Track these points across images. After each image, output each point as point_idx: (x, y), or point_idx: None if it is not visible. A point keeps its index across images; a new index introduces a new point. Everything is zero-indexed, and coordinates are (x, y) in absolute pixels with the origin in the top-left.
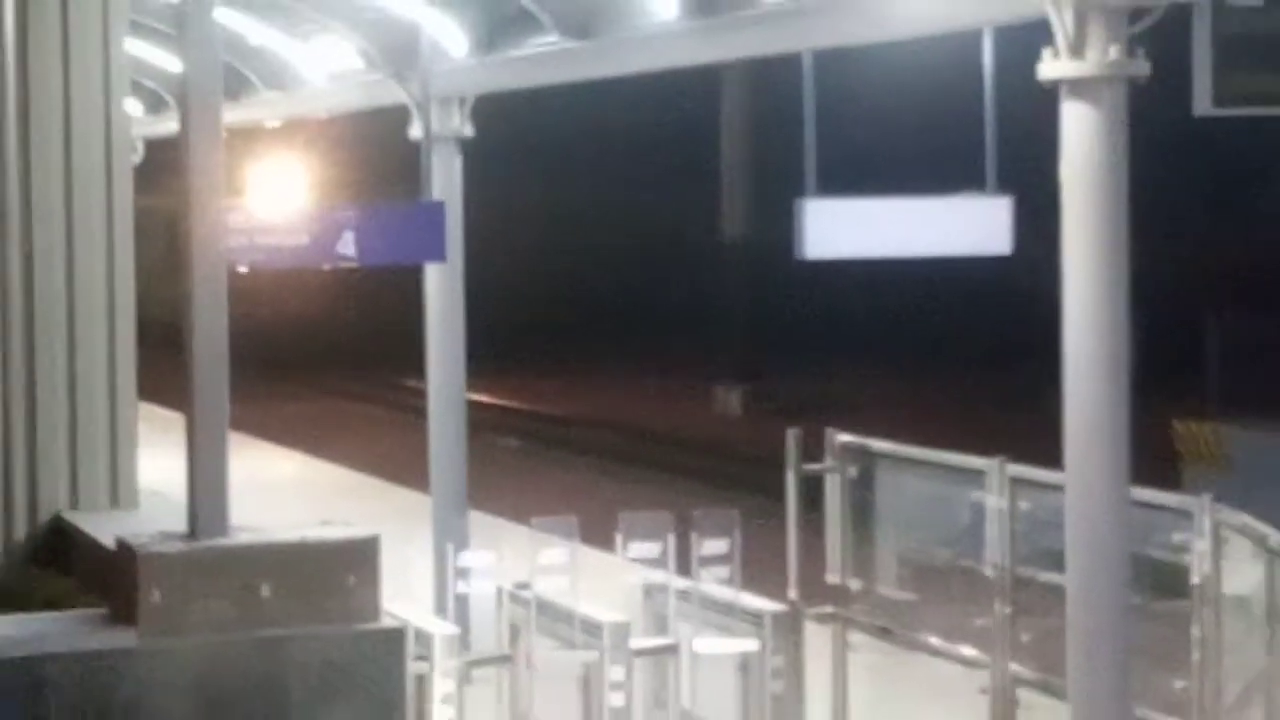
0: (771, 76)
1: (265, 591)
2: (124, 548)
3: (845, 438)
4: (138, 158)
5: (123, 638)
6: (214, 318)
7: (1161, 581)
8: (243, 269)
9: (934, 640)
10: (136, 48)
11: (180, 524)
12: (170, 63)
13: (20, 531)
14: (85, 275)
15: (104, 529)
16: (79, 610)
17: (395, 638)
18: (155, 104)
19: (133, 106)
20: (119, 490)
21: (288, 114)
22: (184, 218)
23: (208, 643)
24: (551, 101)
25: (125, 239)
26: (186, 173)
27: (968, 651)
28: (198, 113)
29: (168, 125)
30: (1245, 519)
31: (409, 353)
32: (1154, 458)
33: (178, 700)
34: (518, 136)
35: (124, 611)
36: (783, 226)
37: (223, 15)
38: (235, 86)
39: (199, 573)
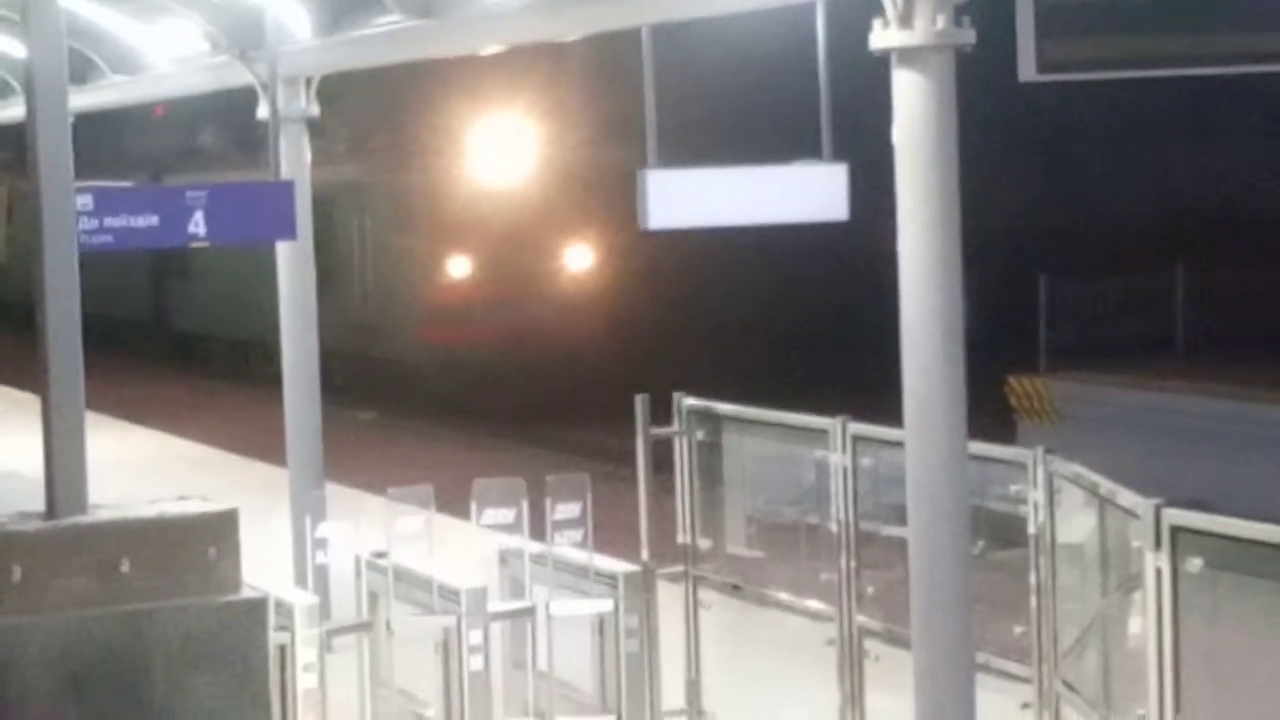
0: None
1: (125, 567)
2: None
3: (691, 401)
4: None
5: None
6: (67, 299)
7: (999, 532)
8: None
9: (782, 595)
10: None
11: (38, 503)
12: (14, 48)
13: None
14: None
15: None
16: None
17: (257, 608)
18: (1, 90)
19: None
20: None
21: (136, 97)
22: (34, 202)
23: (69, 619)
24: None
25: None
26: (35, 157)
27: (815, 605)
28: (44, 98)
29: (14, 111)
30: (1077, 469)
31: None
32: (990, 413)
33: (41, 675)
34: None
35: None
36: None
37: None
38: (82, 70)
39: (59, 550)
